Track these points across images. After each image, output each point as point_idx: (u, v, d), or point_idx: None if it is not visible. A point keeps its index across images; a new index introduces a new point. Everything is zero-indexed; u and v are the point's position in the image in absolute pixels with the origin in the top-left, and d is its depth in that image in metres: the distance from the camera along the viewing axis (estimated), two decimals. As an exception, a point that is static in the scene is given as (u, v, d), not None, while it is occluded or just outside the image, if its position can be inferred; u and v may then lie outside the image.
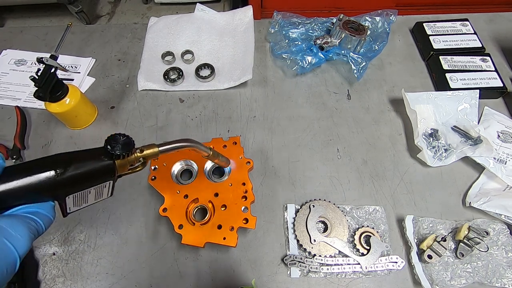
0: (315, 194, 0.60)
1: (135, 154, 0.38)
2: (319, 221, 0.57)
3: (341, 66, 0.77)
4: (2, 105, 0.71)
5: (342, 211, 0.57)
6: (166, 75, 0.74)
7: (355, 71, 0.71)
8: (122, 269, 0.54)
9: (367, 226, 0.56)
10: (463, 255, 0.52)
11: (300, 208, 0.58)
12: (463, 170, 0.63)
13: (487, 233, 0.53)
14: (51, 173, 0.31)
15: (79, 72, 0.76)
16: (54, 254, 0.55)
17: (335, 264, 0.53)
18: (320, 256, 0.53)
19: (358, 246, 0.54)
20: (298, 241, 0.55)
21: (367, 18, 0.78)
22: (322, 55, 0.73)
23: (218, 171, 0.60)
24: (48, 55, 0.57)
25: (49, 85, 0.56)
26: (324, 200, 0.58)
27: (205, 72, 0.75)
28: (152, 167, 0.58)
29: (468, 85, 0.70)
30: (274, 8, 0.84)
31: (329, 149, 0.66)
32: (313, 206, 0.56)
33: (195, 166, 0.58)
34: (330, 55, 0.74)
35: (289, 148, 0.66)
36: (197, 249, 0.55)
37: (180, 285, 0.53)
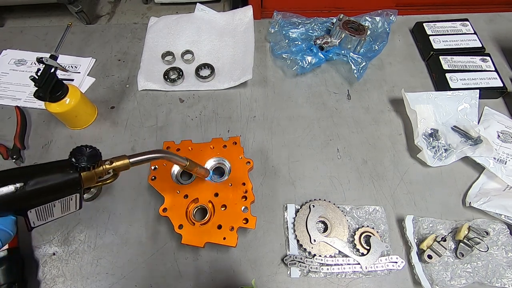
0: (315, 194, 0.60)
1: (104, 166, 0.37)
2: (319, 221, 0.57)
3: (341, 66, 0.77)
4: (2, 105, 0.71)
5: (342, 211, 0.57)
6: (166, 75, 0.74)
7: (355, 71, 0.71)
8: (122, 269, 0.54)
9: (367, 226, 0.56)
10: (463, 255, 0.52)
11: (300, 208, 0.58)
12: (463, 170, 0.63)
13: (487, 233, 0.53)
14: (10, 187, 0.31)
15: (79, 72, 0.76)
16: (54, 254, 0.55)
17: (335, 264, 0.53)
18: (320, 256, 0.53)
19: (358, 246, 0.54)
20: (298, 241, 0.55)
21: (367, 18, 0.78)
22: (322, 55, 0.73)
23: (218, 171, 0.60)
24: (48, 55, 0.57)
25: (49, 85, 0.56)
26: (324, 200, 0.58)
27: (205, 72, 0.75)
28: (152, 167, 0.58)
29: (468, 85, 0.70)
30: (274, 8, 0.84)
31: (329, 149, 0.66)
32: (313, 206, 0.56)
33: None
34: (330, 55, 0.74)
35: (289, 148, 0.66)
36: (197, 249, 0.55)
37: (180, 285, 0.53)
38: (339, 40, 0.73)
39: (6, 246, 0.51)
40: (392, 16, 0.77)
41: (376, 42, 0.75)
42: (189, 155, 0.59)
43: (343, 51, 0.73)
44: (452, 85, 0.70)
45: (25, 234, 0.56)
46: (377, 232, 0.55)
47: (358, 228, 0.56)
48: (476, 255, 0.53)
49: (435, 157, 0.63)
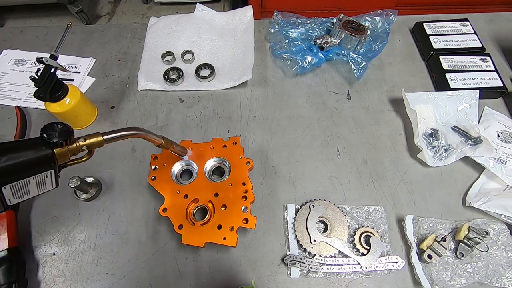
0: (315, 194, 0.60)
1: (77, 143, 0.38)
2: (319, 221, 0.57)
3: (341, 66, 0.77)
4: (2, 105, 0.71)
5: (342, 211, 0.57)
6: (166, 75, 0.74)
7: (355, 71, 0.71)
8: (122, 269, 0.54)
9: (367, 226, 0.56)
10: (463, 255, 0.52)
11: (300, 208, 0.58)
12: (463, 170, 0.63)
13: (487, 233, 0.53)
14: None
15: (79, 72, 0.76)
16: (54, 254, 0.55)
17: (335, 264, 0.53)
18: (320, 256, 0.53)
19: (358, 246, 0.54)
20: (298, 241, 0.55)
21: (367, 18, 0.78)
22: (322, 55, 0.73)
23: (218, 171, 0.60)
24: (48, 55, 0.57)
25: (49, 85, 0.56)
26: (324, 200, 0.58)
27: (205, 72, 0.75)
28: (152, 167, 0.58)
29: (468, 85, 0.70)
30: (274, 8, 0.84)
31: (329, 149, 0.66)
32: (313, 206, 0.56)
33: (195, 166, 0.58)
34: (330, 55, 0.74)
35: (289, 148, 0.66)
36: (197, 249, 0.55)
37: (180, 285, 0.53)
38: (339, 40, 0.73)
39: (6, 246, 0.51)
40: (392, 16, 0.77)
41: (376, 42, 0.75)
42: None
43: (343, 51, 0.73)
44: (452, 85, 0.70)
45: (25, 234, 0.56)
46: (377, 232, 0.55)
47: (358, 228, 0.56)
48: (476, 255, 0.53)
49: (435, 157, 0.63)
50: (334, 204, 0.58)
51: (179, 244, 0.55)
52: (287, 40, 0.77)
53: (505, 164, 0.61)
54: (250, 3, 1.25)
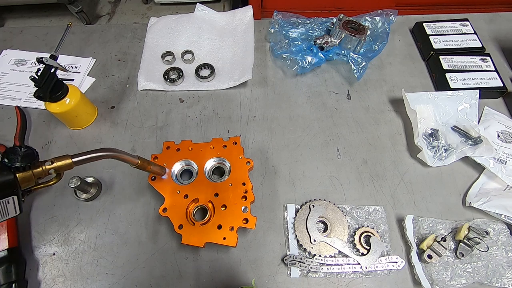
0: (315, 194, 0.60)
1: (43, 167, 0.36)
2: (319, 221, 0.57)
3: (341, 66, 0.77)
4: (2, 105, 0.71)
5: (342, 211, 0.57)
6: (166, 75, 0.74)
7: (355, 71, 0.71)
8: (122, 269, 0.54)
9: (367, 226, 0.56)
10: (463, 255, 0.52)
11: (300, 208, 0.58)
12: (463, 170, 0.63)
13: (487, 233, 0.53)
14: None
15: (79, 72, 0.76)
16: (54, 254, 0.55)
17: (335, 264, 0.53)
18: (320, 256, 0.53)
19: (358, 246, 0.54)
20: (298, 241, 0.55)
21: (367, 18, 0.78)
22: (322, 55, 0.73)
23: (218, 171, 0.60)
24: (48, 55, 0.57)
25: (49, 85, 0.56)
26: (324, 200, 0.58)
27: (205, 72, 0.75)
28: (152, 167, 0.58)
29: (468, 85, 0.70)
30: (274, 8, 0.84)
31: (329, 149, 0.66)
32: (313, 206, 0.56)
33: (195, 166, 0.58)
34: (330, 55, 0.74)
35: (289, 148, 0.66)
36: (197, 249, 0.55)
37: (180, 285, 0.53)
38: (339, 40, 0.73)
39: (6, 246, 0.51)
40: (392, 16, 0.77)
41: (376, 42, 0.75)
42: (189, 155, 0.59)
43: (343, 51, 0.73)
44: (452, 85, 0.70)
45: (25, 234, 0.56)
46: (377, 232, 0.55)
47: (358, 228, 0.56)
48: (476, 255, 0.53)
49: (435, 157, 0.63)
50: (334, 204, 0.58)
51: (179, 244, 0.55)
52: (287, 40, 0.77)
53: (505, 164, 0.61)
54: (250, 3, 1.25)
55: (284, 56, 0.74)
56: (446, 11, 0.94)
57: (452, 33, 0.79)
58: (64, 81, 0.60)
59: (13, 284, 0.49)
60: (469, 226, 0.54)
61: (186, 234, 0.51)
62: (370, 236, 0.54)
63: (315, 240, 0.54)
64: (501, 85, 0.70)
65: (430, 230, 0.56)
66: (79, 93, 0.63)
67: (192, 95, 0.73)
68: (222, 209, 0.53)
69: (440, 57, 0.74)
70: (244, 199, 0.54)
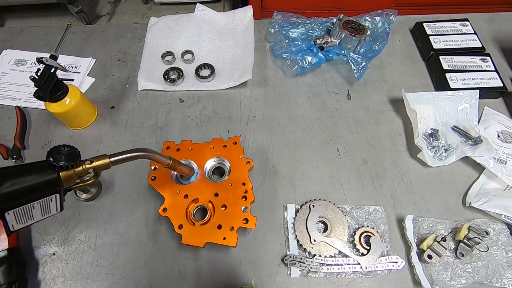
0: (315, 194, 0.60)
1: (84, 166, 0.37)
2: (319, 221, 0.57)
3: (341, 66, 0.77)
4: (2, 105, 0.71)
5: (342, 211, 0.57)
6: (166, 75, 0.74)
7: (355, 71, 0.71)
8: (122, 269, 0.54)
9: (367, 226, 0.56)
10: (463, 255, 0.52)
11: (300, 208, 0.58)
12: (463, 170, 0.63)
13: (487, 233, 0.53)
14: None
15: (79, 72, 0.76)
16: (54, 254, 0.55)
17: (335, 264, 0.53)
18: (320, 256, 0.53)
19: (358, 246, 0.54)
20: (298, 241, 0.55)
21: (367, 18, 0.78)
22: (322, 55, 0.73)
23: (218, 171, 0.60)
24: (48, 55, 0.57)
25: (49, 85, 0.56)
26: (324, 200, 0.58)
27: (205, 72, 0.75)
28: (152, 167, 0.58)
29: (468, 85, 0.70)
30: (274, 8, 0.84)
31: (329, 149, 0.66)
32: (313, 206, 0.56)
33: (195, 166, 0.58)
34: (330, 55, 0.74)
35: (289, 148, 0.66)
36: (197, 249, 0.55)
37: (180, 285, 0.53)
38: (339, 40, 0.73)
39: (6, 246, 0.51)
40: (392, 16, 0.77)
41: (376, 42, 0.75)
42: (189, 155, 0.59)
43: (343, 51, 0.73)
44: (452, 85, 0.70)
45: (25, 234, 0.56)
46: (377, 232, 0.55)
47: (358, 228, 0.56)
48: (476, 255, 0.53)
49: (435, 157, 0.63)
50: (334, 204, 0.58)
51: (179, 244, 0.55)
52: (287, 40, 0.77)
53: (505, 164, 0.61)
54: (250, 3, 1.25)
55: (284, 56, 0.74)
56: (446, 11, 0.94)
57: (452, 33, 0.79)
58: (64, 81, 0.60)
59: (13, 284, 0.49)
60: (469, 226, 0.54)
61: (186, 234, 0.51)
62: (370, 236, 0.54)
63: (315, 240, 0.54)
64: (501, 85, 0.70)
65: (430, 230, 0.56)
66: (79, 93, 0.63)
67: (192, 95, 0.73)
68: (222, 209, 0.53)
69: (440, 57, 0.74)
70: (244, 199, 0.54)
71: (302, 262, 0.52)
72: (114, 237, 0.56)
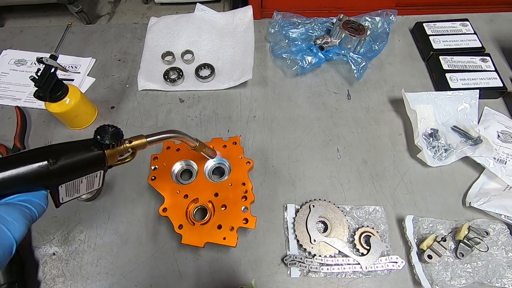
0: (315, 194, 0.60)
1: (124, 145, 0.40)
2: (319, 221, 0.57)
3: (341, 66, 0.77)
4: (2, 105, 0.71)
5: (342, 211, 0.57)
6: (166, 75, 0.74)
7: (355, 71, 0.71)
8: (122, 269, 0.54)
9: (367, 226, 0.56)
10: (463, 255, 0.52)
11: (300, 208, 0.58)
12: (463, 170, 0.63)
13: (487, 233, 0.53)
14: (44, 163, 0.32)
15: (79, 72, 0.76)
16: (54, 254, 0.55)
17: (335, 264, 0.53)
18: (320, 256, 0.53)
19: (358, 246, 0.54)
20: (298, 241, 0.55)
21: (367, 18, 0.78)
22: (322, 55, 0.73)
23: (218, 171, 0.60)
24: (48, 55, 0.57)
25: (49, 85, 0.56)
26: (324, 200, 0.58)
27: (205, 72, 0.75)
28: (152, 167, 0.58)
29: (468, 85, 0.70)
30: (274, 8, 0.84)
31: (329, 149, 0.66)
32: (313, 206, 0.56)
33: (195, 166, 0.58)
34: (330, 55, 0.74)
35: (289, 148, 0.66)
36: (197, 249, 0.55)
37: (180, 285, 0.53)
38: (339, 40, 0.73)
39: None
40: (392, 16, 0.77)
41: (376, 42, 0.75)
42: (189, 155, 0.59)
43: (343, 51, 0.73)
44: (452, 85, 0.70)
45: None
46: (377, 232, 0.55)
47: (358, 228, 0.56)
48: (476, 255, 0.53)
49: (435, 157, 0.63)
50: (334, 204, 0.58)
51: (179, 244, 0.55)
52: (287, 40, 0.77)
53: (505, 164, 0.61)
54: (250, 3, 1.25)
55: (284, 56, 0.74)
56: (446, 11, 0.94)
57: (452, 33, 0.79)
58: (64, 81, 0.60)
59: (14, 284, 0.49)
60: (469, 226, 0.54)
61: (186, 234, 0.51)
62: (370, 236, 0.54)
63: (315, 240, 0.54)
64: (501, 85, 0.70)
65: (430, 230, 0.56)
66: (79, 93, 0.63)
67: (192, 95, 0.73)
68: (222, 209, 0.53)
69: (440, 57, 0.74)
70: (244, 199, 0.54)
71: (302, 262, 0.52)
72: (114, 237, 0.56)
